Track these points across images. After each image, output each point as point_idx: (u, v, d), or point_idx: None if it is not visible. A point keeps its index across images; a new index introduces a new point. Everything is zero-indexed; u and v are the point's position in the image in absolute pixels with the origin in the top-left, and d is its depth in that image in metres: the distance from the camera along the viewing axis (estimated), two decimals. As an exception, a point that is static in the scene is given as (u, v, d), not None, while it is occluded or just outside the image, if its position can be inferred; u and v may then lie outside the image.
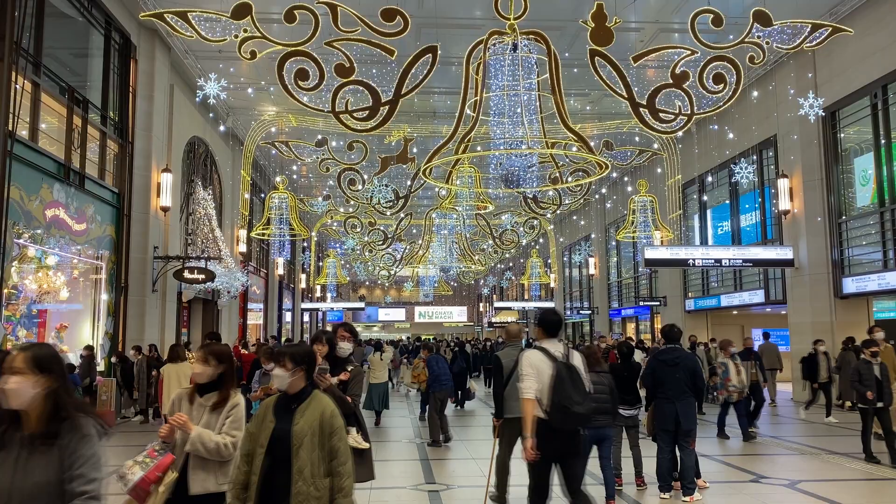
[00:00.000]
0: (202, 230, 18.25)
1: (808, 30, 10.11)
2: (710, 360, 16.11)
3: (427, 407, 11.67)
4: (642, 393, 7.98)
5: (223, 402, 3.77)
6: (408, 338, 45.34)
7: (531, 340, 34.09)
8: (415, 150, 18.39)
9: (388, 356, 14.77)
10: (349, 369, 4.95)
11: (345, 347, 5.10)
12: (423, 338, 26.76)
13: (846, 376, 15.00)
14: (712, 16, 9.74)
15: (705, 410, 14.09)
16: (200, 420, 3.72)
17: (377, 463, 5.09)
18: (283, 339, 26.60)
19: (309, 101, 9.90)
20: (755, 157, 18.69)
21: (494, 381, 6.76)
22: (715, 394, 15.74)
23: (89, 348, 12.58)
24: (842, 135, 16.34)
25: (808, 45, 10.21)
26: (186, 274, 15.68)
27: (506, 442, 6.88)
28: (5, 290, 10.60)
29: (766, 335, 17.41)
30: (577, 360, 5.11)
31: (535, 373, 4.98)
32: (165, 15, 9.29)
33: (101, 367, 13.61)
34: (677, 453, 7.30)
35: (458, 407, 15.30)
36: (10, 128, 10.25)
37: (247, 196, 20.49)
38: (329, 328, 5.56)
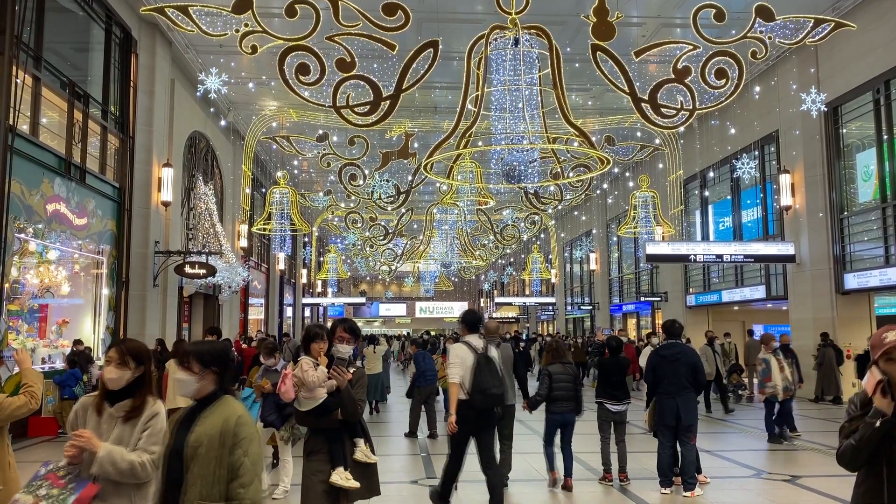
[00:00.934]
0: (203, 225, 18.26)
1: (811, 25, 10.09)
2: (726, 355, 15.83)
3: (414, 401, 11.73)
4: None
5: (138, 411, 3.10)
6: (408, 333, 45.39)
7: (534, 336, 34.14)
8: (416, 145, 18.36)
9: (381, 349, 14.86)
10: (352, 371, 4.44)
11: (343, 350, 4.47)
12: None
13: (824, 371, 15.02)
14: (714, 11, 9.71)
15: (732, 407, 14.03)
16: (111, 435, 3.06)
17: (378, 458, 5.02)
18: (282, 335, 26.62)
19: (310, 96, 9.87)
20: (757, 153, 18.67)
21: None
22: (741, 392, 15.69)
23: (79, 342, 12.27)
24: (844, 130, 16.30)
25: (810, 40, 10.18)
26: (187, 269, 15.70)
27: None
28: (6, 285, 10.61)
29: (749, 332, 17.33)
30: (493, 352, 6.12)
31: (459, 362, 5.95)
32: (166, 9, 9.26)
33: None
34: (678, 449, 7.32)
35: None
36: (11, 122, 10.24)
37: (248, 191, 20.49)
38: (330, 324, 5.06)
